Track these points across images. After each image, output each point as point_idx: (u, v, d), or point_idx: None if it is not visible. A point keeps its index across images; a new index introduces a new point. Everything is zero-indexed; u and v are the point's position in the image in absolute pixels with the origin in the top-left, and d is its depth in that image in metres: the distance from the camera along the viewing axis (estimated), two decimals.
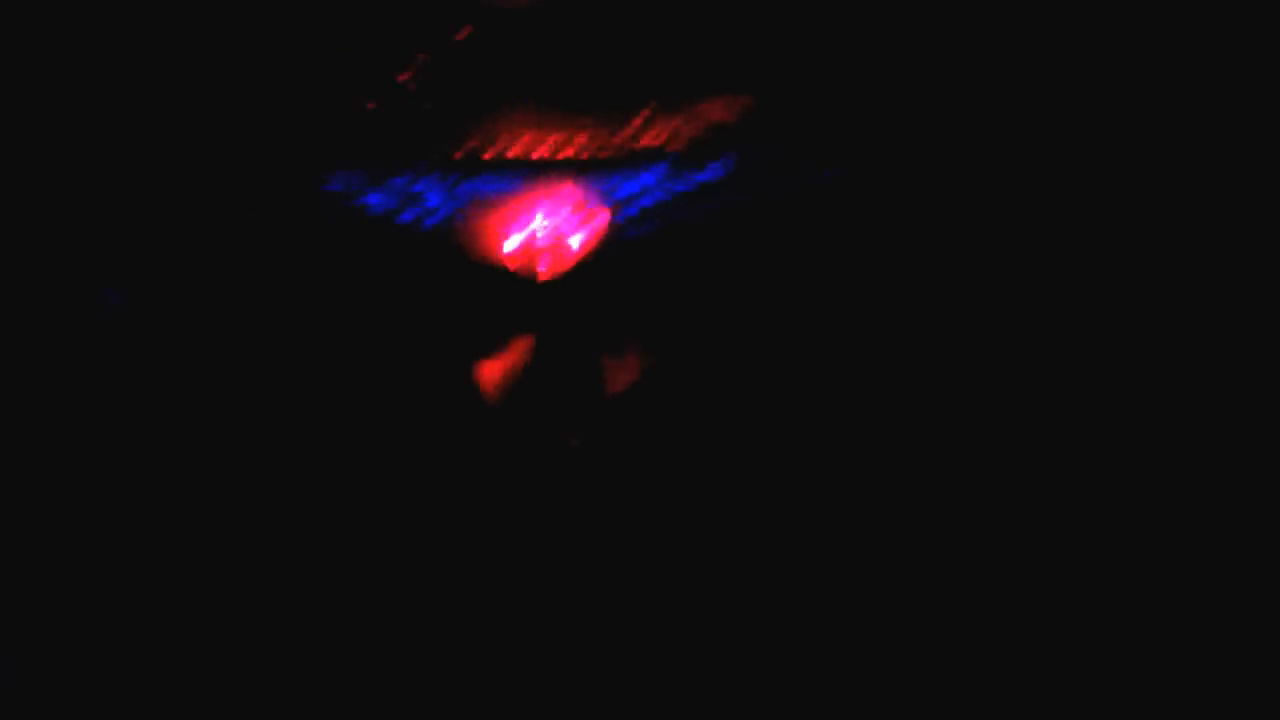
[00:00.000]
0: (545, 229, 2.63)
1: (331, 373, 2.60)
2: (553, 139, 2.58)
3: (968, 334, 2.63)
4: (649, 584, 2.43)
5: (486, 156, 2.59)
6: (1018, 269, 2.65)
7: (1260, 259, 2.52)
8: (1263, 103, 2.50)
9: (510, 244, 2.63)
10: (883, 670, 2.30)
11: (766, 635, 2.35)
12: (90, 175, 2.53)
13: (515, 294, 2.64)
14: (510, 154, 2.59)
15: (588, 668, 2.32)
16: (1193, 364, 2.51)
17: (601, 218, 2.65)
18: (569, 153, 2.60)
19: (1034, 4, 2.57)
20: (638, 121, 2.57)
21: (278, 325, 2.60)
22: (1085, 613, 2.32)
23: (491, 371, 2.65)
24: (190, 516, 2.45)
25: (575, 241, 2.64)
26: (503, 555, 2.45)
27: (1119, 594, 2.34)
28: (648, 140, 2.60)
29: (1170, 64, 2.55)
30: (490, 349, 2.66)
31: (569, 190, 2.63)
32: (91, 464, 2.48)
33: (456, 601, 2.40)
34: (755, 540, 2.48)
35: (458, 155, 2.58)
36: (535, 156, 2.60)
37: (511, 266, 2.63)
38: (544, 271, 2.63)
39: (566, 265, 2.64)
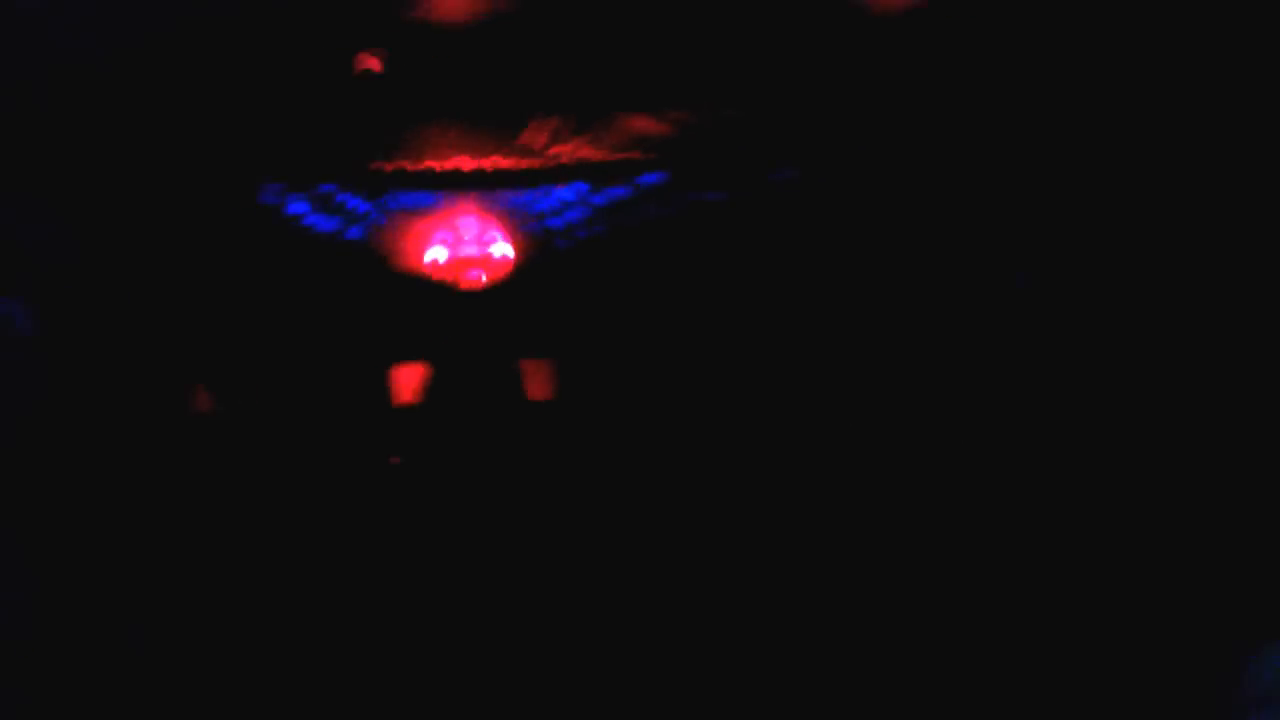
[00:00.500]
0: (466, 241, 2.68)
1: (257, 377, 2.66)
2: (477, 154, 2.61)
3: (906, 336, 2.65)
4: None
5: (410, 169, 2.63)
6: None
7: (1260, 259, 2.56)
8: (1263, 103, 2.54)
9: (431, 255, 2.67)
10: (877, 669, 2.32)
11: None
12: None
13: (435, 304, 2.69)
14: (435, 167, 2.63)
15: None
16: (1188, 367, 2.51)
17: (522, 231, 2.70)
18: (492, 166, 2.63)
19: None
20: (561, 139, 2.60)
21: (204, 332, 2.64)
22: (1083, 612, 2.34)
23: (409, 378, 2.71)
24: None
25: (495, 253, 2.68)
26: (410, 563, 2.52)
27: (1118, 594, 2.35)
28: (570, 156, 2.63)
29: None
30: (409, 357, 2.71)
31: (491, 204, 2.67)
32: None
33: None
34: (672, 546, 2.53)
35: (385, 168, 2.62)
36: (461, 170, 2.63)
37: (433, 277, 2.68)
38: (464, 282, 2.67)
39: (487, 277, 2.68)
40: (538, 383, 2.71)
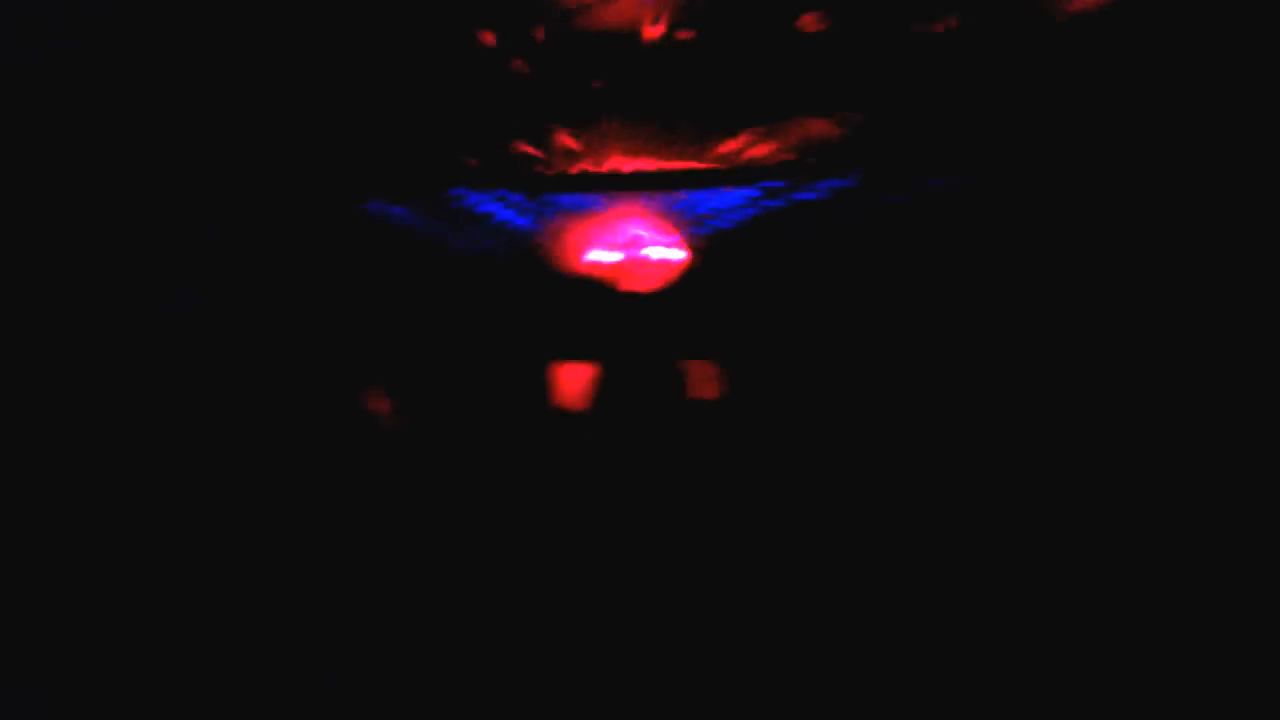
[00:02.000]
0: (630, 244, 2.66)
1: (424, 381, 2.66)
2: (640, 156, 2.60)
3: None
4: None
5: (572, 172, 2.63)
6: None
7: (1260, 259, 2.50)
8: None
9: (593, 257, 2.66)
10: (880, 670, 2.31)
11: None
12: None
13: (598, 307, 2.67)
14: (596, 170, 2.62)
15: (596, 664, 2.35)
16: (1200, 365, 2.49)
17: (687, 234, 2.68)
18: (658, 168, 2.62)
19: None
20: (730, 140, 2.58)
21: (371, 336, 2.65)
22: (1081, 613, 2.32)
23: (573, 381, 2.68)
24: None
25: (658, 256, 2.66)
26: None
27: (1116, 594, 2.33)
28: (738, 158, 2.61)
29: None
30: (573, 359, 2.69)
31: (659, 206, 2.66)
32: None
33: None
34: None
35: (546, 172, 2.62)
36: (622, 172, 2.63)
37: (602, 280, 2.66)
38: (626, 285, 2.66)
39: (650, 280, 2.67)
40: (704, 385, 2.67)
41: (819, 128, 2.56)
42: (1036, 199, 2.61)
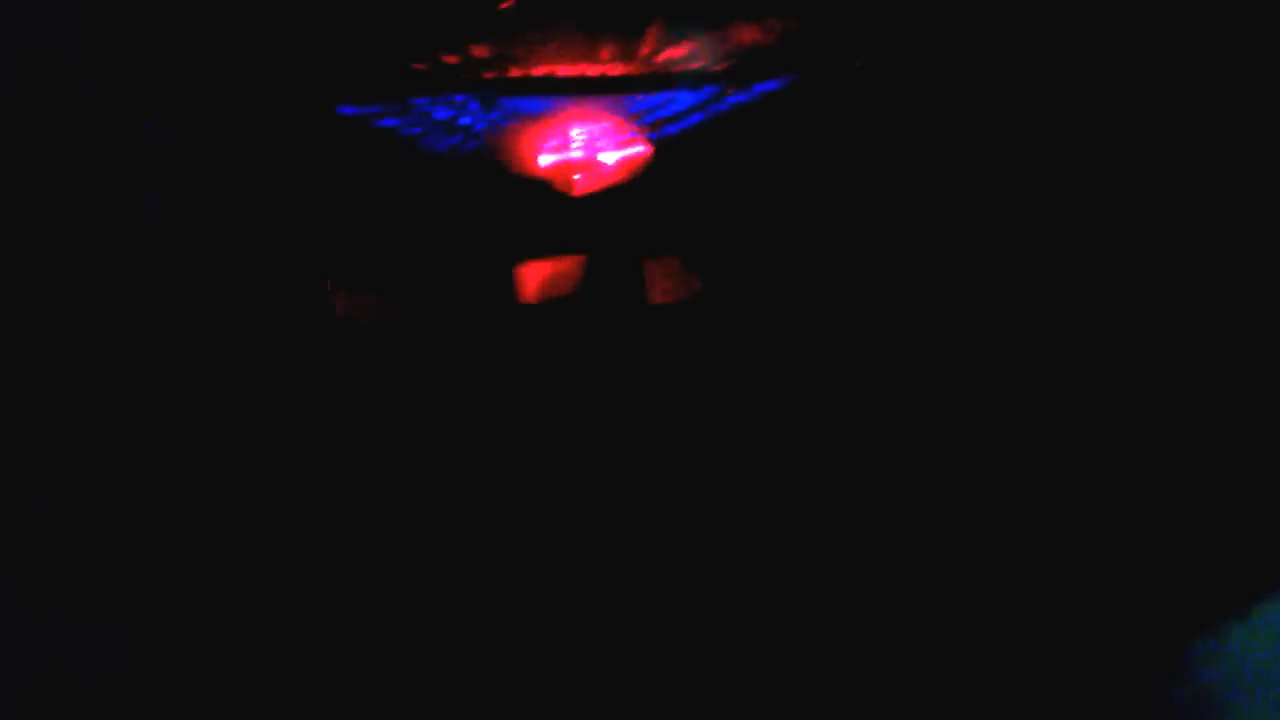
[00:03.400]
0: (582, 145, 2.67)
1: (389, 282, 2.70)
2: (588, 59, 2.58)
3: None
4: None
5: (518, 75, 2.61)
6: None
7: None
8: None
9: (546, 159, 2.67)
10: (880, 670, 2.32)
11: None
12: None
13: (552, 209, 2.70)
14: (544, 73, 2.60)
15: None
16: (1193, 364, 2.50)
17: (639, 135, 2.69)
18: (604, 73, 2.60)
19: None
20: (677, 42, 2.55)
21: (333, 243, 2.67)
22: (1080, 613, 2.33)
23: (532, 282, 2.73)
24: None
25: (611, 157, 2.68)
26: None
27: (1115, 594, 2.35)
28: (686, 63, 2.59)
29: None
30: (531, 257, 2.73)
31: (607, 109, 2.66)
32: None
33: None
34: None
35: (491, 75, 2.60)
36: (571, 75, 2.61)
37: (550, 180, 2.68)
38: (580, 185, 2.68)
39: (603, 180, 2.69)
40: (656, 283, 2.74)
41: (757, 34, 2.54)
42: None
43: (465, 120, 2.66)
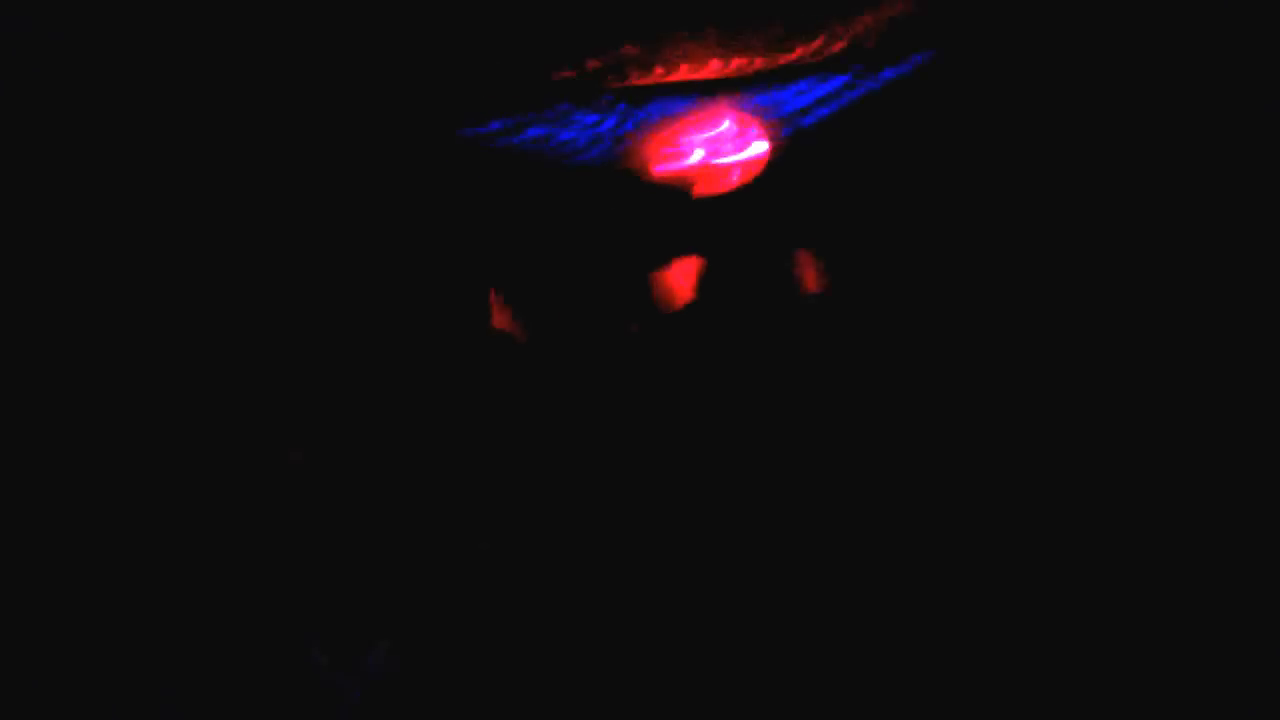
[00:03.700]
0: (706, 148, 2.67)
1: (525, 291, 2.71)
2: (719, 59, 2.57)
3: None
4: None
5: (649, 82, 2.62)
6: None
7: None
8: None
9: (668, 165, 2.68)
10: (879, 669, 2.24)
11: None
12: None
13: (672, 212, 2.70)
14: (675, 78, 2.61)
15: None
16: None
17: (765, 133, 2.68)
18: (734, 71, 2.60)
19: None
20: (807, 37, 2.55)
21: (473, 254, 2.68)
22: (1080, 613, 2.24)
23: (672, 281, 2.73)
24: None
25: (734, 159, 2.69)
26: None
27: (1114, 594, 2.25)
28: (815, 55, 2.58)
29: None
30: (670, 260, 2.73)
31: (734, 108, 2.66)
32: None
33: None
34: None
35: (622, 84, 2.61)
36: (701, 78, 2.61)
37: (682, 184, 2.70)
38: (700, 190, 2.69)
39: (724, 184, 2.70)
40: (802, 276, 2.73)
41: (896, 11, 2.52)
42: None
43: (601, 129, 2.68)
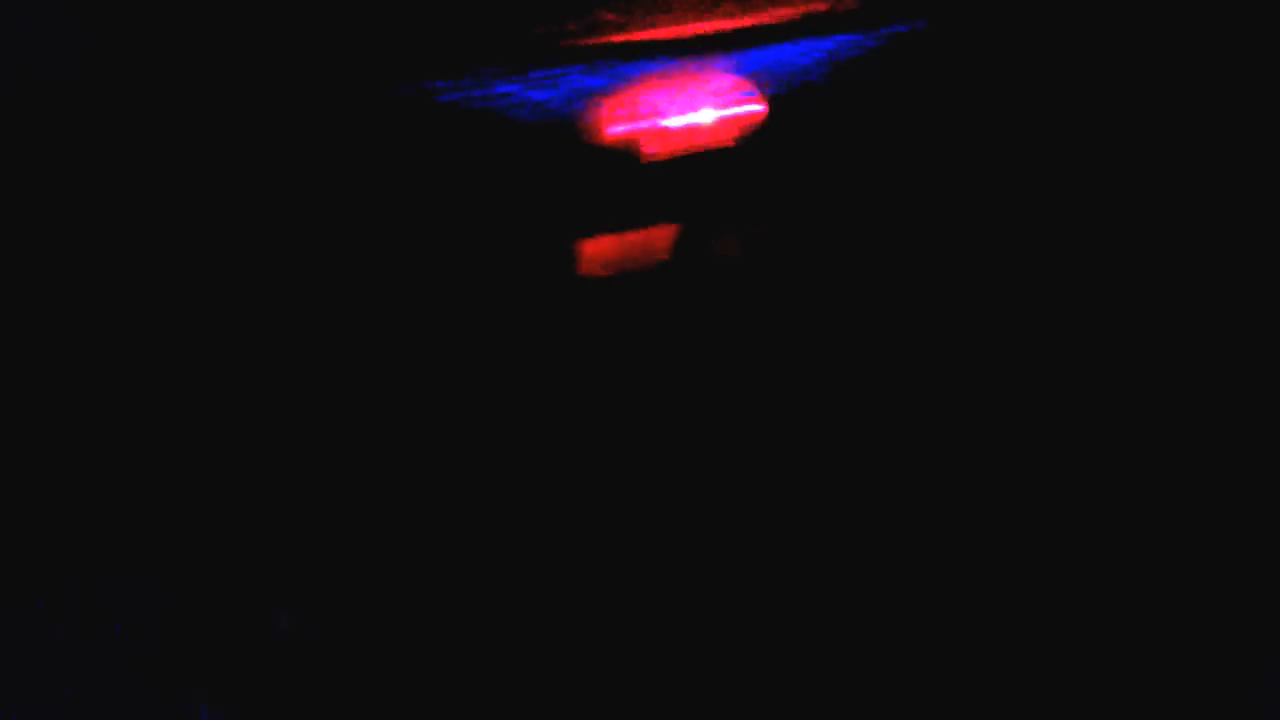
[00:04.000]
0: (683, 107, 2.57)
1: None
2: (689, 17, 2.48)
3: None
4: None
5: (623, 39, 2.50)
6: None
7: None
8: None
9: (619, 127, 2.57)
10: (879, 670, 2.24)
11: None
12: None
13: (621, 176, 2.59)
14: (651, 35, 2.50)
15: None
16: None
17: (741, 96, 2.58)
18: (705, 29, 2.50)
19: None
20: None
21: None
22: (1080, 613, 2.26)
23: (598, 251, 2.63)
24: None
25: (690, 121, 2.57)
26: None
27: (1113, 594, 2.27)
28: (796, 16, 2.49)
29: None
30: (593, 231, 2.62)
31: (710, 70, 2.55)
32: None
33: None
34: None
35: (599, 40, 2.51)
36: (678, 36, 2.51)
37: (620, 147, 2.57)
38: (651, 153, 2.57)
39: (682, 145, 2.58)
40: (733, 248, 2.66)
41: None
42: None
43: (559, 91, 2.56)
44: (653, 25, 2.46)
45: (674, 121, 2.57)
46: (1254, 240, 2.44)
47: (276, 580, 2.35)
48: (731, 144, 2.58)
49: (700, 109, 2.57)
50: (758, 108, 2.58)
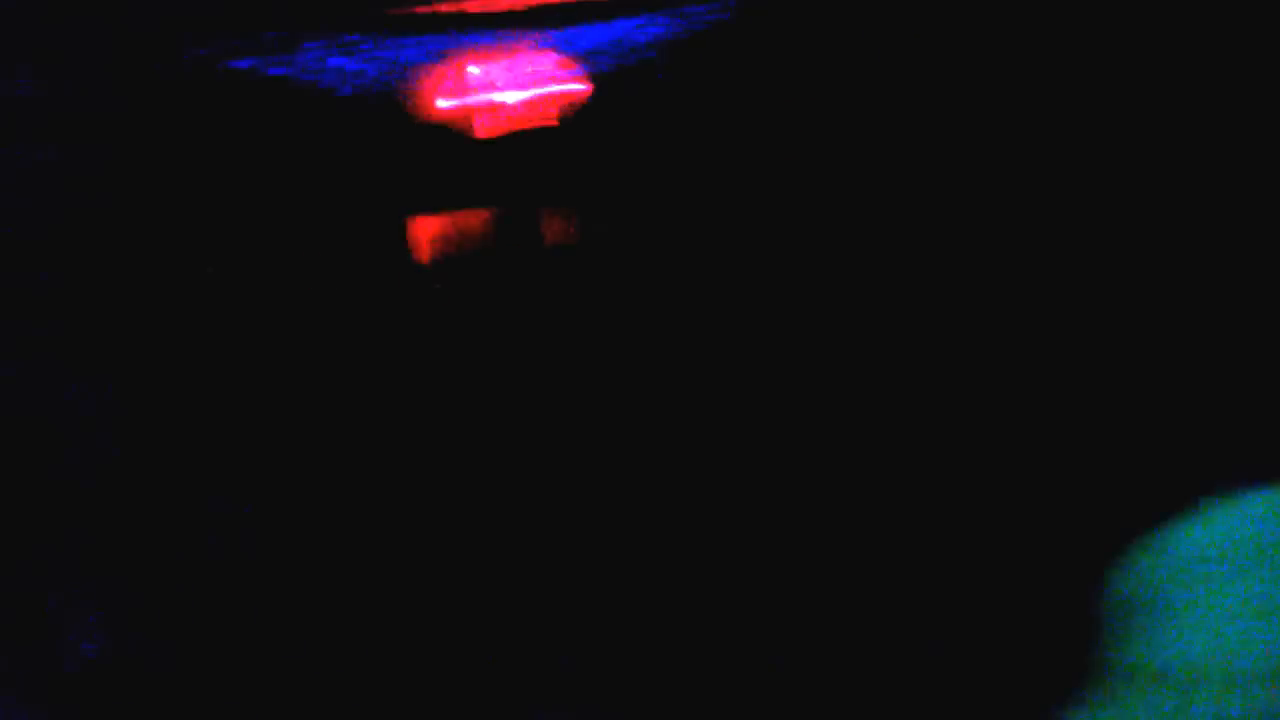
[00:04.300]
0: (488, 85, 2.48)
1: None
2: None
3: None
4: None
5: (451, 10, 2.45)
6: None
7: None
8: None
9: (445, 102, 2.47)
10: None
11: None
12: None
13: (450, 154, 2.48)
14: (477, 7, 2.45)
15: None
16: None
17: (556, 72, 2.50)
18: (539, 3, 2.44)
19: None
20: None
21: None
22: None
23: (424, 233, 2.52)
24: None
25: (519, 97, 2.49)
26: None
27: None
28: None
29: None
30: (434, 209, 2.51)
31: (521, 44, 2.49)
32: None
33: None
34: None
35: (408, 11, 2.45)
36: (483, 9, 2.46)
37: (447, 123, 2.48)
38: (482, 129, 2.47)
39: (510, 123, 2.49)
40: (563, 231, 2.56)
41: None
42: None
43: (366, 63, 2.48)
44: None
45: (500, 97, 2.48)
46: (1234, 237, 2.44)
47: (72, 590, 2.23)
48: (555, 123, 2.49)
49: (529, 87, 2.48)
50: (583, 86, 2.49)
